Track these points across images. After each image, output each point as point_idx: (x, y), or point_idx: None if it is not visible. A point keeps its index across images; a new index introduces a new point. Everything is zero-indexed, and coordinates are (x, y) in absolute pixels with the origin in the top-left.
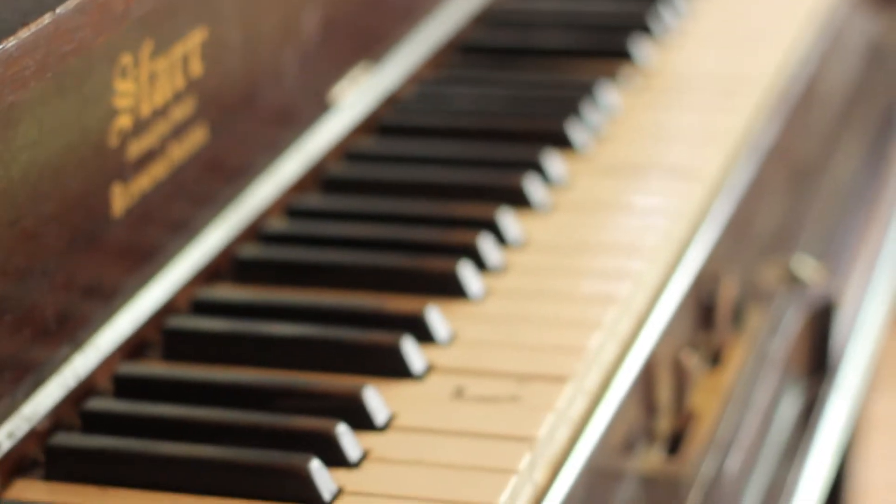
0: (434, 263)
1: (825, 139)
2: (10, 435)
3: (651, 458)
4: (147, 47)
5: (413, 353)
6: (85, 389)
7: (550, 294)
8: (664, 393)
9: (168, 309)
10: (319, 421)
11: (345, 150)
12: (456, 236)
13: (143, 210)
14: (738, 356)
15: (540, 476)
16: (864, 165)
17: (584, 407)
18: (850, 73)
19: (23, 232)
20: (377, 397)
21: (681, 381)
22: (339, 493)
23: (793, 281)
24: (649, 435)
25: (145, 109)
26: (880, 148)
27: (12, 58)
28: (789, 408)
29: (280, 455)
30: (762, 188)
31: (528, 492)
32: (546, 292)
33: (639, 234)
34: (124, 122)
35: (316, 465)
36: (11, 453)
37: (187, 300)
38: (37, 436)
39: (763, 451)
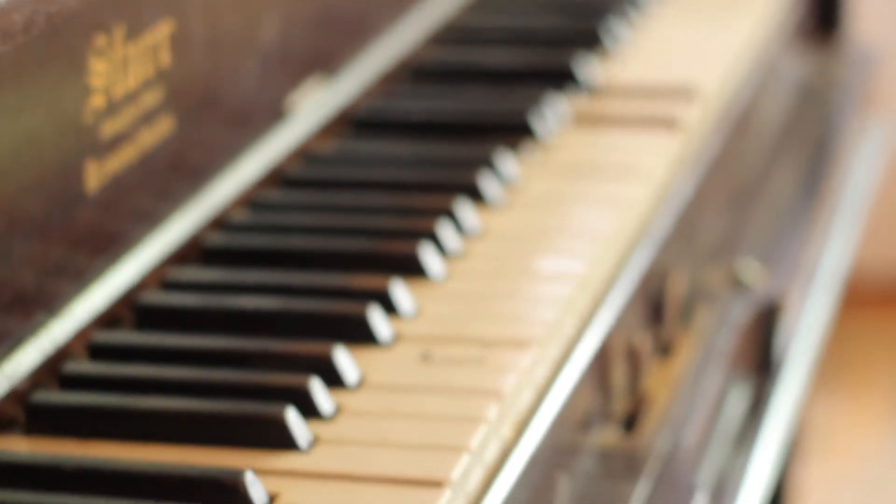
0: (396, 246)
1: (763, 160)
2: None
3: (608, 435)
4: (120, 31)
5: (380, 321)
6: (61, 355)
7: (509, 274)
8: (619, 376)
9: (138, 288)
10: (293, 376)
11: (301, 154)
12: (416, 223)
13: (115, 191)
14: (686, 350)
15: (507, 431)
16: (802, 183)
17: (546, 374)
18: (783, 106)
19: (2, 195)
20: (348, 358)
21: (635, 364)
22: (315, 441)
23: (737, 283)
24: (606, 415)
25: (118, 91)
26: (817, 169)
27: (3, 10)
28: (737, 402)
29: (256, 405)
30: (706, 196)
31: (495, 444)
32: (505, 273)
33: (595, 223)
34: (98, 101)
35: (292, 414)
36: None
37: (157, 280)
38: (16, 395)
39: (713, 440)
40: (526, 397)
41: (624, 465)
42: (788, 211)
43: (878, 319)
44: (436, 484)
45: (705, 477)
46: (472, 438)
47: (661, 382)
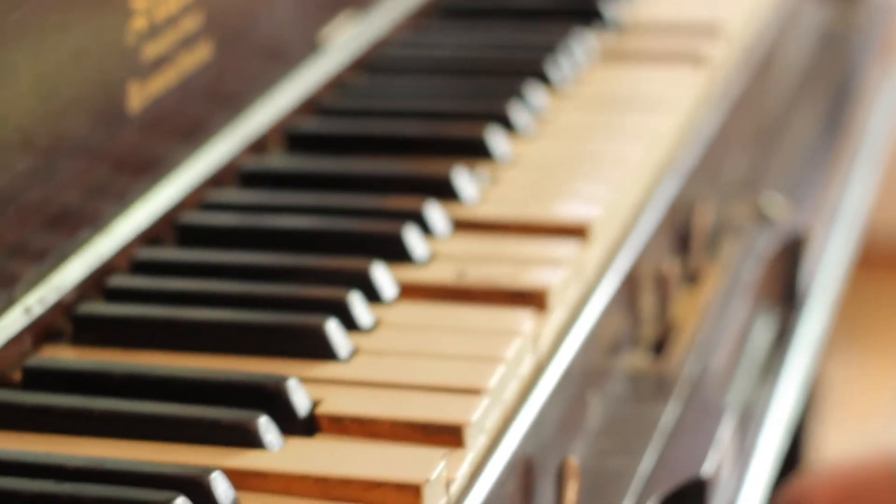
0: (431, 169)
1: (786, 101)
2: (40, 300)
3: (637, 359)
4: None
5: (416, 239)
6: (106, 270)
7: (541, 199)
8: (647, 302)
9: (179, 208)
10: (333, 290)
11: (335, 85)
12: (449, 150)
13: (156, 113)
14: (713, 280)
15: (542, 346)
16: (824, 124)
17: (577, 295)
18: (805, 50)
19: (51, 110)
20: (386, 273)
21: (663, 290)
22: (356, 352)
23: (762, 217)
24: (635, 339)
25: (160, 14)
26: (838, 112)
27: None
28: (763, 333)
29: (298, 317)
30: (731, 131)
31: (530, 358)
32: (537, 197)
33: (623, 153)
34: (140, 23)
35: (333, 325)
36: (41, 320)
37: (196, 201)
38: (63, 307)
39: (740, 367)
40: (559, 315)
41: (653, 388)
42: (811, 150)
43: (892, 281)
44: (474, 391)
45: (732, 401)
46: (508, 350)
47: (688, 310)
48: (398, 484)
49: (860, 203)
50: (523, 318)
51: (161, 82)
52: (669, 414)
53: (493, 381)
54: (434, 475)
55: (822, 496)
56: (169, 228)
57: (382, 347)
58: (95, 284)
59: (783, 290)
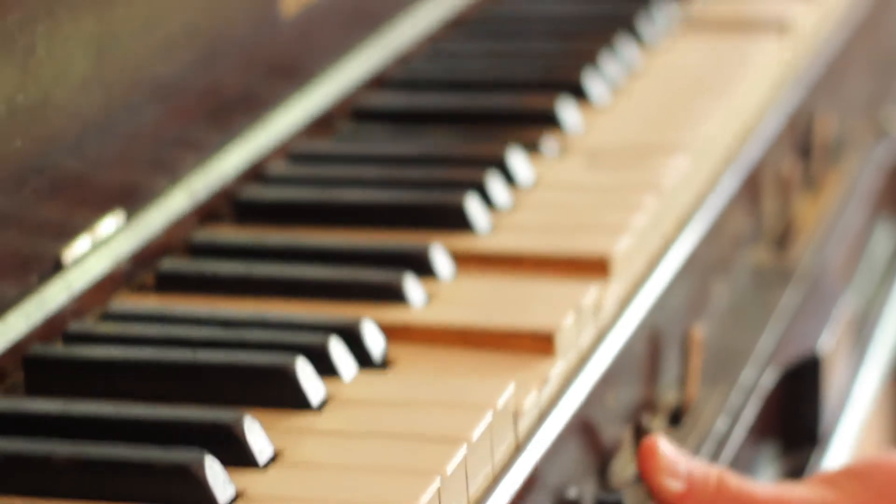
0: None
1: None
2: (205, 186)
3: (759, 253)
4: None
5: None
6: (264, 161)
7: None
8: (770, 201)
9: (331, 113)
10: (473, 171)
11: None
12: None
13: (308, 19)
14: (833, 187)
15: (668, 226)
16: None
17: (701, 187)
18: None
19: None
20: (522, 158)
21: (785, 190)
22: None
23: (882, 132)
24: (758, 235)
25: None
26: None
27: None
28: (882, 242)
29: (441, 194)
30: (853, 52)
31: (657, 237)
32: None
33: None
34: None
35: (474, 202)
36: (206, 204)
37: (348, 108)
38: (226, 193)
39: (858, 274)
40: (684, 198)
41: (775, 279)
42: None
43: None
44: (601, 263)
45: (851, 297)
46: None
47: (809, 212)
48: (533, 333)
49: None
50: (648, 196)
51: None
52: (789, 299)
53: (619, 249)
54: (566, 325)
55: None
56: (324, 128)
57: (521, 223)
58: (254, 173)
59: None
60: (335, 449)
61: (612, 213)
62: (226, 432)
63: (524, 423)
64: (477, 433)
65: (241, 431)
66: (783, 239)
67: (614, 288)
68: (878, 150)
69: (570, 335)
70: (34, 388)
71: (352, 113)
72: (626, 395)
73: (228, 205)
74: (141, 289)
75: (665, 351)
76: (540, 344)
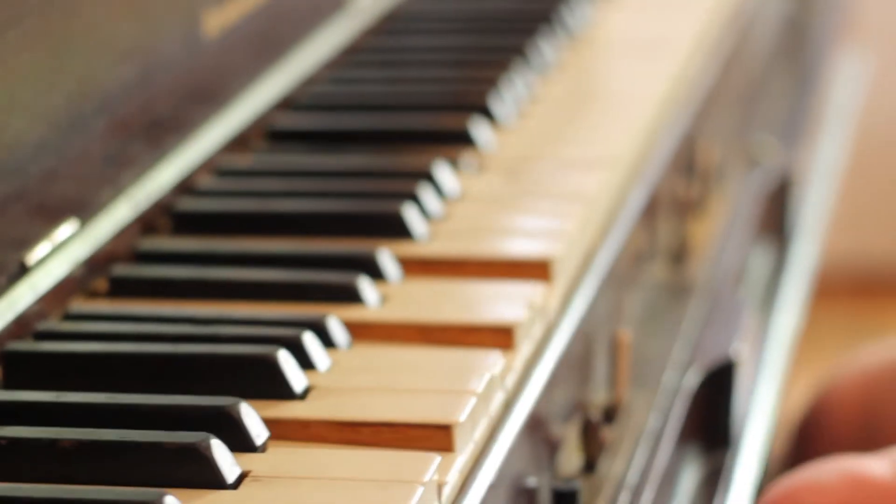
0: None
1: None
2: (146, 198)
3: (657, 271)
4: None
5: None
6: (188, 184)
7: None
8: (664, 223)
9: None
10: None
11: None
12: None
13: (228, 42)
14: (718, 208)
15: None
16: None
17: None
18: (771, 37)
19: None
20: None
21: (679, 207)
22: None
23: (753, 161)
24: (653, 254)
25: None
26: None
27: None
28: (759, 263)
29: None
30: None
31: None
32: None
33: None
34: None
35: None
36: (145, 215)
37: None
38: (160, 205)
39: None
40: (603, 208)
41: (678, 291)
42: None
43: None
44: (543, 265)
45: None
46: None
47: (698, 232)
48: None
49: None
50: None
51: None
52: (695, 309)
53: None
54: (525, 319)
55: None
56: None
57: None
58: (185, 187)
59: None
60: (329, 432)
61: (543, 221)
62: (224, 416)
63: (494, 412)
64: (464, 415)
65: (239, 415)
66: (679, 255)
67: (556, 289)
68: (753, 177)
69: (527, 330)
70: (13, 384)
71: (266, 134)
72: (570, 391)
73: (165, 216)
74: (93, 295)
75: (597, 352)
76: (500, 338)
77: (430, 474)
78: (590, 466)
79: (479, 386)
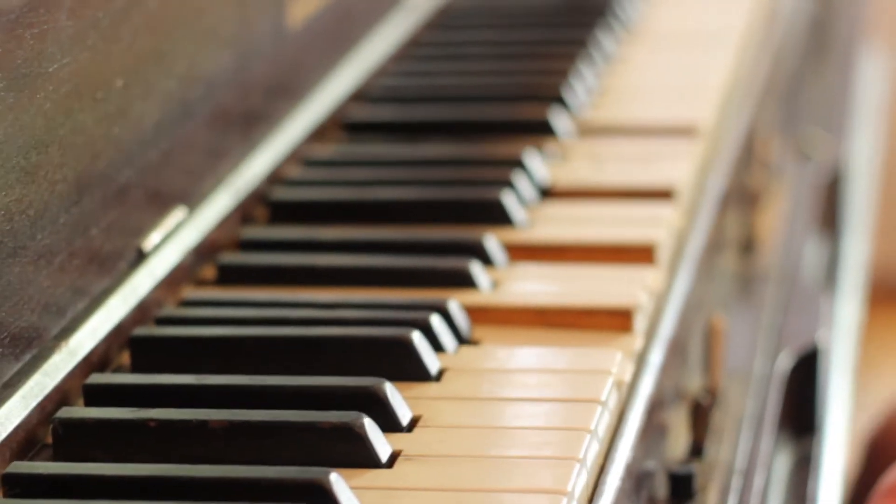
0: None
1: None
2: (245, 187)
3: (731, 259)
4: None
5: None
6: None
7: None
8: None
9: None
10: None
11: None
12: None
13: (310, 32)
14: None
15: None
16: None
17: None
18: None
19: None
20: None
21: (746, 200)
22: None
23: (804, 156)
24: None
25: None
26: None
27: None
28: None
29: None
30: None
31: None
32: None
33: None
34: None
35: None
36: (244, 204)
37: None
38: (256, 195)
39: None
40: (690, 196)
41: (745, 281)
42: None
43: None
44: (648, 250)
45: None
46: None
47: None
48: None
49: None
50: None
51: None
52: (773, 298)
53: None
54: (643, 302)
55: None
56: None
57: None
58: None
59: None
60: (471, 411)
61: (636, 208)
62: (371, 397)
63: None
64: (605, 394)
65: (385, 395)
66: (748, 245)
67: (661, 273)
68: (808, 170)
69: (645, 313)
70: (141, 368)
71: (343, 125)
72: (674, 376)
73: (261, 205)
74: (200, 283)
75: (692, 337)
76: (617, 320)
77: (583, 451)
78: (697, 451)
79: (603, 394)
